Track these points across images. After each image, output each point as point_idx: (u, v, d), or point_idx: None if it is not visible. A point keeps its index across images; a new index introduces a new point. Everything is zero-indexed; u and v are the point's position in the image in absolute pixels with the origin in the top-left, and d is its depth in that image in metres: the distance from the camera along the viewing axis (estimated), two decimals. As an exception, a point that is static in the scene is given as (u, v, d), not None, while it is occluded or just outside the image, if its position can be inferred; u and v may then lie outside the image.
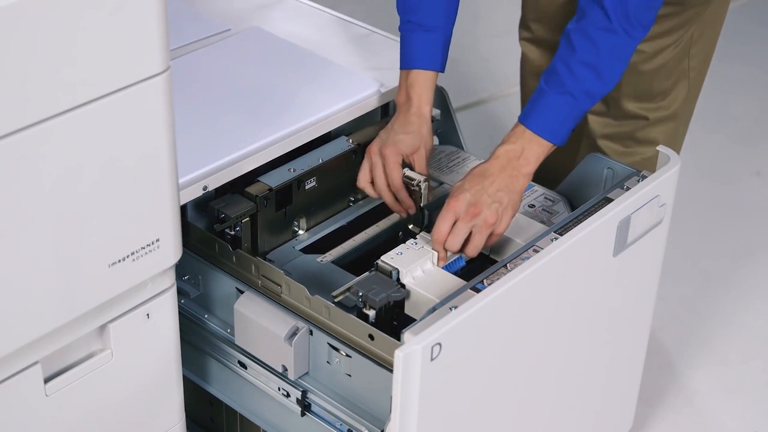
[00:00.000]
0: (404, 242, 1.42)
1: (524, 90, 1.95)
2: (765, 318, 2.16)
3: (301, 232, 1.58)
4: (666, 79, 1.73)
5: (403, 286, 1.36)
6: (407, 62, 1.56)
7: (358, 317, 1.31)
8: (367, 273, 1.38)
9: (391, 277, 1.36)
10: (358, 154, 1.62)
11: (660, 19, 1.65)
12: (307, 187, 1.56)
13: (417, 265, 1.37)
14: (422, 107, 1.55)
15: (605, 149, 1.80)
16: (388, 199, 1.54)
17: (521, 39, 1.89)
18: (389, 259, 1.37)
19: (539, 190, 1.58)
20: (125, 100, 1.16)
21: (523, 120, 1.44)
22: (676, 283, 2.14)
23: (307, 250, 1.56)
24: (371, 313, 1.33)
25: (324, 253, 1.54)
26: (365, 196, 1.64)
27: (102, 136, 1.15)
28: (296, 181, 1.55)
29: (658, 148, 1.52)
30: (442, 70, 1.58)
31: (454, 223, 1.40)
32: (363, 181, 1.54)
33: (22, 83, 1.06)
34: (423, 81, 1.55)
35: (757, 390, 1.99)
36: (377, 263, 1.38)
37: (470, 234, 1.41)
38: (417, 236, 1.42)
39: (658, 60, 1.70)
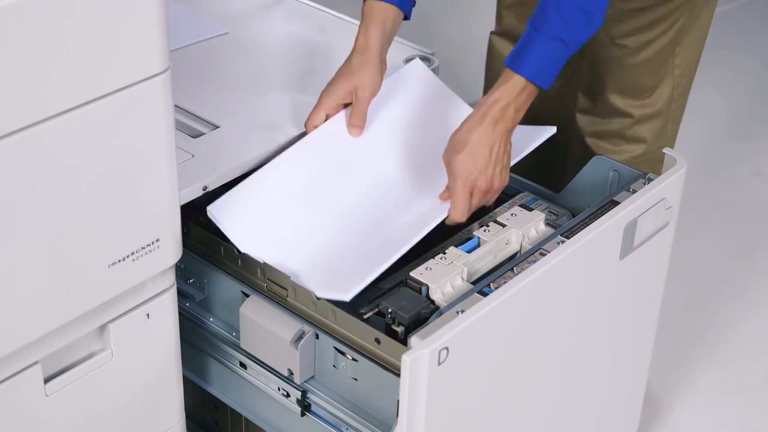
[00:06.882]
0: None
1: (489, 84, 1.95)
2: (765, 318, 2.16)
3: None
4: (651, 76, 1.73)
5: (432, 302, 1.34)
6: None
7: (386, 334, 1.29)
8: (395, 288, 1.37)
9: (421, 293, 1.34)
10: None
11: (642, 12, 1.66)
12: None
13: (447, 281, 1.35)
14: (369, 43, 1.51)
15: (594, 147, 1.80)
16: None
17: (492, 33, 1.88)
18: (418, 274, 1.35)
19: (543, 203, 1.57)
20: (125, 100, 1.15)
21: (512, 66, 1.42)
22: (676, 283, 2.13)
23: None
24: (400, 329, 1.31)
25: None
26: None
27: (102, 136, 1.15)
28: None
29: (664, 150, 1.51)
30: (403, 9, 1.53)
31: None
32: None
33: (23, 83, 1.06)
34: (375, 13, 1.51)
35: (757, 390, 1.99)
36: (406, 278, 1.36)
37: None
38: (446, 251, 1.40)
39: (642, 55, 1.70)
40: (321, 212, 1.46)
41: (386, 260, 1.35)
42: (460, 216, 1.42)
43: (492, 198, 1.46)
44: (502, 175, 1.43)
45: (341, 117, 1.54)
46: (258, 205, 1.44)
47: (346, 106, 1.55)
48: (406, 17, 1.55)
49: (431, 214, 1.43)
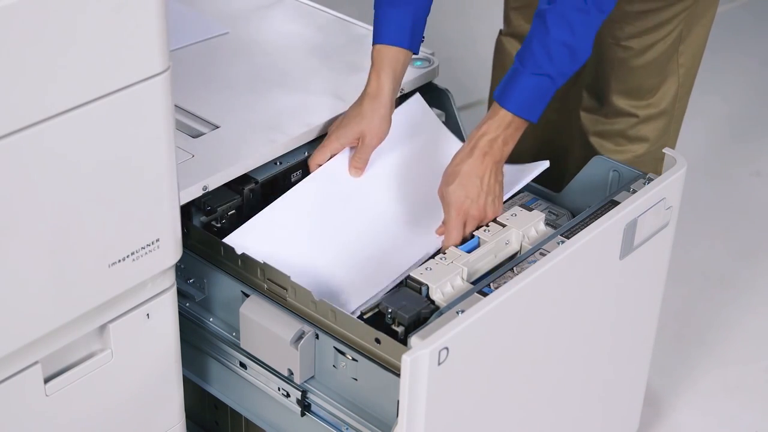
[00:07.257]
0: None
1: (496, 84, 1.96)
2: (765, 318, 2.16)
3: None
4: (655, 76, 1.73)
5: (432, 302, 1.34)
6: (374, 38, 1.54)
7: (386, 334, 1.29)
8: (395, 288, 1.37)
9: (421, 293, 1.35)
10: None
11: (647, 15, 1.66)
12: (293, 180, 1.56)
13: (447, 281, 1.35)
14: (381, 90, 1.52)
15: (597, 147, 1.81)
16: None
17: (501, 34, 1.89)
18: (418, 274, 1.35)
19: (543, 203, 1.58)
20: (125, 100, 1.15)
21: (500, 101, 1.43)
22: (676, 283, 2.13)
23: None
24: (400, 329, 1.31)
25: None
26: None
27: (102, 136, 1.15)
28: (282, 174, 1.55)
29: (664, 150, 1.52)
30: (412, 50, 1.55)
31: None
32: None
33: (23, 83, 1.06)
34: (386, 58, 1.53)
35: (757, 390, 1.99)
36: (406, 278, 1.36)
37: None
38: (446, 251, 1.40)
39: (647, 56, 1.71)
40: (325, 244, 1.48)
41: (381, 283, 1.40)
42: (453, 244, 1.43)
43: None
44: (495, 204, 1.45)
45: (344, 156, 1.56)
46: (268, 237, 1.47)
47: (351, 147, 1.56)
48: (415, 53, 1.57)
49: (426, 245, 1.47)
